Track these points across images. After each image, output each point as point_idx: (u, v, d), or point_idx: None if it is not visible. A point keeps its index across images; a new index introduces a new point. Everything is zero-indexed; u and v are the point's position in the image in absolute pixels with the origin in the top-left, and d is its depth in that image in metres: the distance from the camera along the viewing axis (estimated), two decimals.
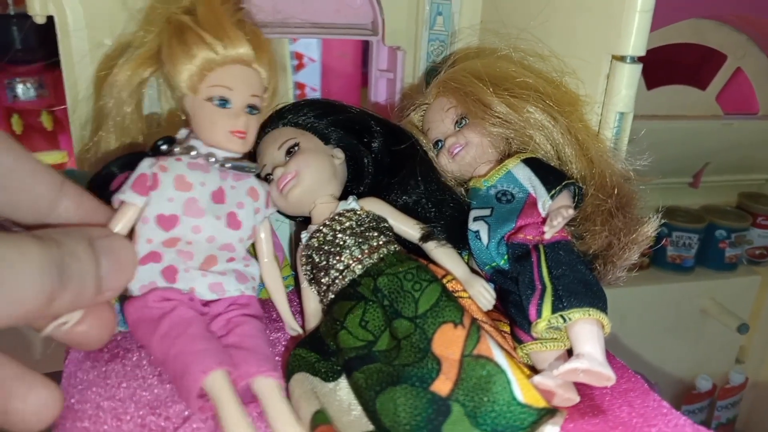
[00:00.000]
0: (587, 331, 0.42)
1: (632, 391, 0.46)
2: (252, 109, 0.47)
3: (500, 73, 0.53)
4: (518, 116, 0.51)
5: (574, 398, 0.43)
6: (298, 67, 1.27)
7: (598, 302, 0.43)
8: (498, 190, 0.51)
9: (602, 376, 0.41)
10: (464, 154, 0.53)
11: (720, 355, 1.07)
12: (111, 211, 0.44)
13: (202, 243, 0.45)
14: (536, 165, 0.50)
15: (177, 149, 0.46)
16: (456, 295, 0.45)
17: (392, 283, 0.44)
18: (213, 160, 0.46)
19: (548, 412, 0.36)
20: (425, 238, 0.50)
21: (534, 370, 0.45)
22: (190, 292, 0.44)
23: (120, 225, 0.43)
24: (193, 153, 0.46)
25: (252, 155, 0.52)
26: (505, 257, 0.48)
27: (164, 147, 0.47)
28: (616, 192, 0.47)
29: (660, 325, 1.02)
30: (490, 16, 0.65)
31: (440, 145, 0.55)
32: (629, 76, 0.50)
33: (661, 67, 0.90)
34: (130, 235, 0.44)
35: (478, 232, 0.49)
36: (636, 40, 0.49)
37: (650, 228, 0.48)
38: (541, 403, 0.36)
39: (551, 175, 0.49)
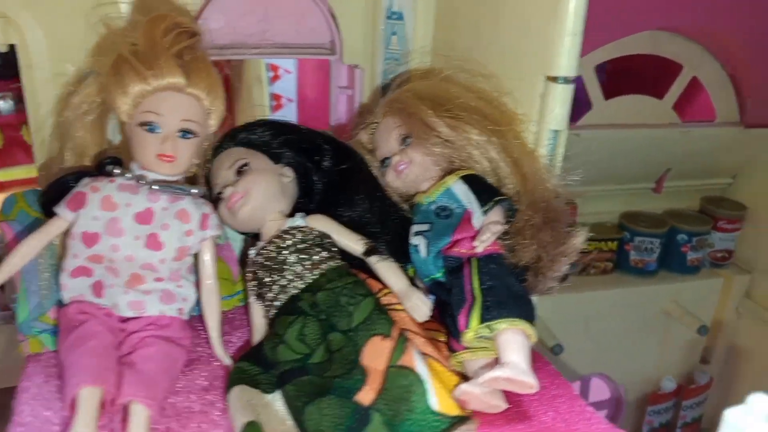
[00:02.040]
0: (513, 340, 0.44)
1: (560, 397, 0.48)
2: (186, 133, 0.49)
3: (442, 93, 0.55)
4: (457, 136, 0.53)
5: (501, 405, 0.45)
6: (274, 79, 1.29)
7: (525, 313, 0.45)
8: (438, 205, 0.53)
9: (525, 384, 0.43)
10: (408, 171, 0.55)
11: (684, 356, 1.10)
12: None
13: (122, 261, 0.48)
14: (473, 182, 0.53)
15: (117, 170, 0.49)
16: (391, 308, 0.48)
17: (329, 299, 0.46)
18: (143, 182, 0.49)
19: (460, 420, 0.39)
20: (368, 252, 0.52)
21: (467, 379, 0.47)
22: (110, 308, 0.47)
23: (42, 233, 0.48)
24: (127, 175, 0.49)
25: (193, 179, 0.54)
26: (442, 270, 0.50)
27: (108, 168, 0.49)
28: (544, 206, 0.50)
29: (624, 328, 1.04)
30: (441, 36, 0.68)
31: (387, 162, 0.57)
32: (562, 95, 0.52)
33: (619, 77, 0.93)
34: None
35: (417, 246, 0.52)
36: (567, 61, 0.51)
37: (579, 240, 0.50)
38: (454, 411, 0.39)
39: (486, 192, 0.51)
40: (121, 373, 0.42)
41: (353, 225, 0.54)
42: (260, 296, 0.50)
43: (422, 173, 0.55)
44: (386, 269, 0.52)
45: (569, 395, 0.48)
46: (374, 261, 0.52)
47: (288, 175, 0.55)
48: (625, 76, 0.92)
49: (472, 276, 0.48)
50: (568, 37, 0.50)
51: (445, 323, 0.50)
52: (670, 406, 1.10)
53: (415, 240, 0.52)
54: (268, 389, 0.45)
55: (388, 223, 0.55)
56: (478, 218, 0.50)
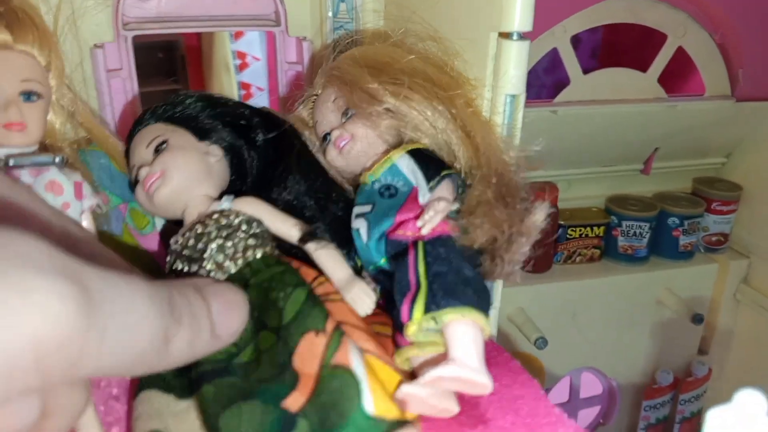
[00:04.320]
0: (461, 333, 0.38)
1: (522, 398, 0.42)
2: (29, 95, 0.43)
3: (384, 59, 0.49)
4: (402, 104, 0.47)
5: (453, 408, 0.39)
6: (242, 67, 1.23)
7: (477, 302, 0.39)
8: (382, 184, 0.47)
9: (475, 384, 0.37)
10: (350, 147, 0.49)
11: (681, 346, 1.04)
12: None
13: None
14: (419, 155, 0.46)
15: None
16: (328, 298, 0.42)
17: (258, 293, 0.40)
18: None
19: (398, 424, 0.33)
20: (304, 239, 0.46)
21: (415, 377, 0.41)
22: None
23: None
24: None
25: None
26: (386, 256, 0.44)
27: None
28: (495, 181, 0.43)
29: (615, 319, 0.98)
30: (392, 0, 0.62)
31: (328, 139, 0.51)
32: (517, 54, 0.46)
33: (597, 49, 0.87)
34: None
35: (359, 229, 0.46)
36: (522, 13, 0.45)
37: (539, 217, 0.44)
38: (392, 414, 0.33)
39: (432, 166, 0.45)
40: None
41: (290, 208, 0.48)
42: None
43: (366, 149, 0.49)
44: (326, 257, 0.46)
45: (534, 395, 0.42)
46: (312, 248, 0.46)
47: (215, 153, 0.49)
48: (605, 48, 0.86)
49: (418, 261, 0.41)
50: None
51: (390, 315, 0.44)
52: (668, 400, 1.04)
53: (356, 223, 0.46)
54: (183, 394, 0.39)
55: (330, 206, 0.49)
56: (424, 196, 0.44)
